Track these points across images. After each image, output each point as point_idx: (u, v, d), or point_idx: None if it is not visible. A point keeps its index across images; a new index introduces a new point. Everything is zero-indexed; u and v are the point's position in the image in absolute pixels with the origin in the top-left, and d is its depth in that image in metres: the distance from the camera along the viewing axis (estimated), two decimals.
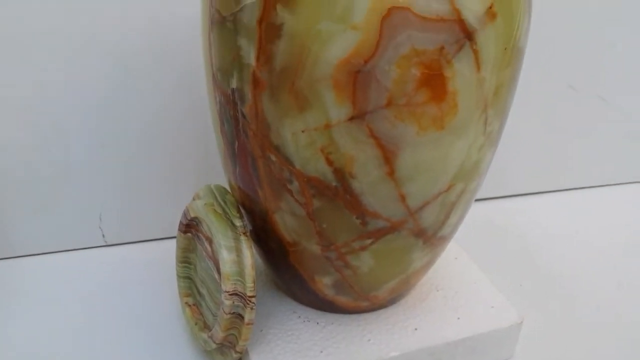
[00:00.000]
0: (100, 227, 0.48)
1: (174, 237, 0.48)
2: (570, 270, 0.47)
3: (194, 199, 0.38)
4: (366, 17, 0.24)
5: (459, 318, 0.38)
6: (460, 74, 0.26)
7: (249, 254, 0.33)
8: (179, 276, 0.40)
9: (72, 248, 0.48)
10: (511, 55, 0.28)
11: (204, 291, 0.38)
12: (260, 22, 0.26)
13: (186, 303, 0.40)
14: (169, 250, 0.46)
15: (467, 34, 0.25)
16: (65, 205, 0.47)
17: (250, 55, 0.27)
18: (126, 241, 0.49)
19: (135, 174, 0.47)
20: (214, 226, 0.34)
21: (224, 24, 0.28)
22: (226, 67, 0.29)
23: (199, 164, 0.48)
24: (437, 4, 0.24)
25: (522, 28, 0.28)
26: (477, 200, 0.55)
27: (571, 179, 0.58)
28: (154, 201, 0.48)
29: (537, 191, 0.57)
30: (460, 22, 0.25)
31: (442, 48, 0.25)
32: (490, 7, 0.26)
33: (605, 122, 0.56)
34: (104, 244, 0.49)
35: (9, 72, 0.41)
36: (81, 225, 0.47)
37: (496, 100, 0.29)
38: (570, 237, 0.51)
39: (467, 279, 0.41)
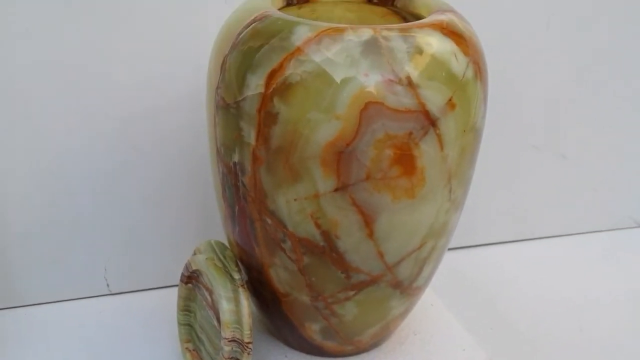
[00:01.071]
0: (105, 277, 0.52)
1: (174, 286, 0.52)
2: (535, 315, 0.52)
3: (194, 254, 0.42)
4: (347, 109, 0.30)
5: (433, 359, 0.42)
6: (427, 153, 0.31)
7: (246, 304, 0.37)
8: (179, 323, 0.44)
9: (79, 297, 0.51)
10: (469, 135, 0.33)
11: (203, 337, 0.42)
12: (259, 110, 0.31)
13: (187, 348, 0.43)
14: (169, 298, 0.50)
15: (431, 122, 0.31)
16: (73, 257, 0.50)
17: (250, 136, 0.32)
18: (129, 290, 0.53)
19: (138, 230, 0.51)
20: (214, 279, 0.39)
21: (228, 109, 0.33)
22: (229, 144, 0.34)
23: (197, 221, 0.52)
24: (405, 98, 0.30)
25: (479, 113, 0.33)
26: (450, 249, 0.60)
27: (535, 230, 0.63)
28: (155, 254, 0.52)
29: (505, 241, 0.62)
30: (425, 113, 0.30)
31: (410, 133, 0.30)
32: (450, 99, 0.31)
33: (566, 177, 0.62)
34: (109, 292, 0.52)
35: (31, 141, 0.46)
36: (87, 275, 0.51)
37: (458, 172, 0.34)
38: (536, 284, 0.56)
39: (441, 324, 0.45)
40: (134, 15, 0.45)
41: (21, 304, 0.50)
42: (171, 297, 0.48)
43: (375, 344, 0.42)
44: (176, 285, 0.50)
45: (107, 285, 0.52)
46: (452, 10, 0.35)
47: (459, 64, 0.31)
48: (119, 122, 0.47)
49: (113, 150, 0.48)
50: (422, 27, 0.31)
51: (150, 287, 0.53)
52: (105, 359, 0.45)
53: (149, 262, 0.52)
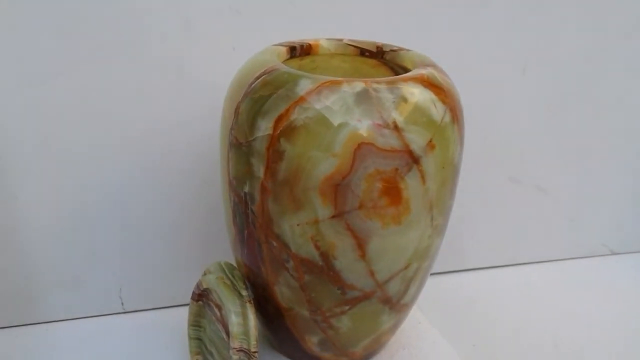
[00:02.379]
0: (120, 297, 0.56)
1: (184, 305, 0.56)
2: (513, 333, 0.56)
3: (205, 274, 0.47)
4: (343, 148, 0.35)
5: None
6: (411, 186, 0.37)
7: (253, 318, 0.42)
8: (190, 337, 0.49)
9: (96, 314, 0.55)
10: (448, 170, 0.39)
11: (212, 349, 0.46)
12: (268, 148, 0.36)
13: None
14: (180, 316, 0.55)
15: (414, 160, 0.36)
16: (90, 278, 0.54)
17: (259, 170, 0.37)
18: (142, 309, 0.57)
19: (152, 253, 0.55)
20: (224, 295, 0.43)
21: (240, 148, 0.38)
22: (240, 177, 0.39)
23: (206, 246, 0.56)
24: (392, 140, 0.35)
25: (455, 152, 0.39)
26: (437, 274, 0.65)
27: (515, 257, 0.67)
28: (167, 275, 0.56)
29: (486, 266, 0.66)
30: (409, 152, 0.36)
31: (397, 169, 0.36)
32: (430, 141, 0.37)
33: (544, 208, 0.67)
34: (123, 311, 0.57)
35: (56, 175, 0.50)
36: (104, 295, 0.55)
37: (439, 202, 0.39)
38: (515, 306, 0.60)
39: (428, 340, 0.50)
40: (158, 66, 0.50)
41: (42, 321, 0.54)
42: (182, 315, 0.53)
43: (367, 356, 0.46)
44: (186, 305, 0.54)
45: (122, 304, 0.56)
46: (432, 65, 0.41)
47: (437, 111, 0.37)
48: (137, 160, 0.52)
49: (131, 184, 0.53)
50: (406, 80, 0.37)
51: (162, 306, 0.57)
52: None
53: (161, 283, 0.57)
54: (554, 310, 0.60)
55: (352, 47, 0.46)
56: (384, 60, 0.45)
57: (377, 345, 0.46)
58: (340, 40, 0.46)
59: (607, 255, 0.71)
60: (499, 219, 0.65)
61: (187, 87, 0.51)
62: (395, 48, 0.44)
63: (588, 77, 0.63)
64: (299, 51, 0.45)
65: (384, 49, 0.45)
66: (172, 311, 0.57)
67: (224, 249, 0.53)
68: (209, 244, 0.56)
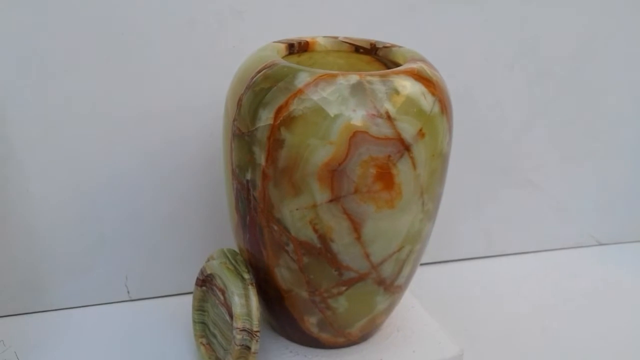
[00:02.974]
0: (126, 285, 0.58)
1: (187, 294, 0.59)
2: (503, 319, 0.59)
3: (208, 260, 0.50)
4: (339, 137, 0.37)
5: (414, 351, 0.49)
6: (403, 172, 0.39)
7: (255, 299, 0.44)
8: (194, 321, 0.51)
9: (102, 302, 0.58)
10: (438, 159, 0.41)
11: (216, 332, 0.49)
12: (269, 137, 0.39)
13: (201, 342, 0.50)
14: (184, 303, 0.57)
15: (406, 147, 0.39)
16: (97, 267, 0.57)
17: (261, 158, 0.40)
18: (147, 297, 0.59)
19: (156, 243, 0.58)
20: (227, 279, 0.46)
21: (243, 137, 0.41)
22: (243, 165, 0.41)
23: (208, 235, 0.58)
24: (385, 129, 0.38)
25: (444, 141, 0.41)
26: (429, 263, 0.67)
27: (505, 247, 0.70)
28: (171, 264, 0.59)
29: (477, 256, 0.69)
30: (401, 140, 0.38)
31: (389, 156, 0.38)
32: (420, 130, 0.39)
33: (532, 199, 0.69)
34: (129, 298, 0.59)
35: (63, 166, 0.53)
36: (110, 283, 0.57)
37: (429, 189, 0.42)
38: (504, 294, 0.63)
39: (420, 323, 0.52)
40: (163, 64, 0.53)
41: (51, 309, 0.57)
42: (186, 303, 0.55)
43: (363, 337, 0.49)
44: (189, 293, 0.57)
45: (128, 292, 0.59)
46: (422, 60, 0.43)
47: (427, 102, 0.40)
48: (143, 153, 0.55)
49: (135, 174, 0.55)
50: (398, 73, 0.40)
51: (167, 294, 0.60)
52: (125, 357, 0.51)
53: (165, 271, 0.59)
54: (542, 298, 0.63)
55: (347, 44, 0.48)
56: (377, 56, 0.48)
57: (373, 326, 0.48)
58: (336, 37, 0.49)
59: (594, 245, 0.73)
60: (489, 211, 0.68)
61: (192, 81, 0.54)
62: (387, 45, 0.47)
63: (576, 70, 0.65)
64: (296, 48, 0.47)
65: (377, 46, 0.48)
66: (177, 299, 0.59)
67: (226, 238, 0.55)
68: (212, 233, 0.59)
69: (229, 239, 0.51)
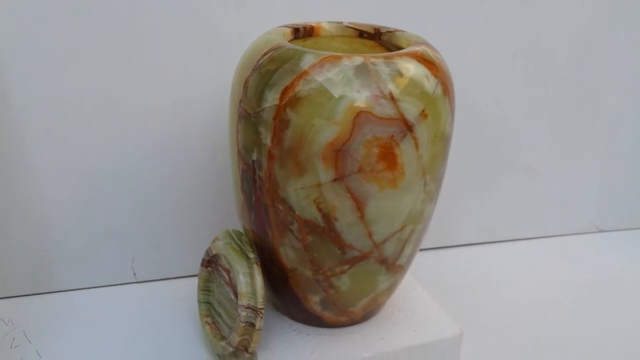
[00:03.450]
0: (132, 267, 0.59)
1: (192, 276, 0.60)
2: (503, 301, 0.60)
3: (214, 241, 0.51)
4: (343, 117, 0.38)
5: (415, 331, 0.50)
6: (405, 152, 0.40)
7: (260, 278, 0.45)
8: (200, 301, 0.52)
9: (109, 284, 0.59)
10: (440, 140, 0.42)
11: (221, 311, 0.50)
12: (275, 118, 0.40)
13: (206, 322, 0.51)
14: (189, 286, 0.58)
15: (408, 127, 0.40)
16: (105, 250, 0.58)
17: (267, 138, 0.41)
18: (153, 279, 0.60)
19: (162, 226, 0.59)
20: (232, 258, 0.47)
21: (249, 118, 0.42)
22: (249, 145, 0.42)
23: (214, 219, 0.60)
24: (388, 109, 0.39)
25: (447, 123, 0.42)
26: (431, 249, 0.68)
27: (507, 234, 0.71)
28: (177, 247, 0.60)
29: (479, 242, 0.70)
30: (404, 120, 0.39)
31: (392, 136, 0.39)
32: (423, 110, 0.40)
33: (535, 187, 0.70)
34: (135, 280, 0.60)
35: (71, 152, 0.54)
36: (117, 265, 0.59)
37: (431, 170, 0.43)
38: (505, 279, 0.64)
39: (422, 305, 0.53)
40: (168, 50, 0.54)
41: (59, 290, 0.58)
42: (191, 285, 0.56)
43: (365, 316, 0.50)
44: (194, 275, 0.58)
45: (134, 274, 0.60)
46: (425, 43, 0.44)
47: (429, 83, 0.40)
48: (150, 138, 0.56)
49: (143, 159, 0.56)
50: (401, 55, 0.40)
51: (172, 277, 0.61)
52: (131, 337, 0.52)
53: (171, 254, 0.60)
54: (543, 284, 0.64)
55: (352, 29, 0.49)
56: (381, 41, 0.49)
57: (375, 305, 0.49)
58: (340, 23, 0.49)
59: (594, 232, 0.74)
60: (491, 198, 0.69)
61: (197, 66, 0.55)
62: (391, 29, 0.48)
63: (578, 60, 0.66)
64: (302, 33, 0.48)
65: (381, 31, 0.48)
66: (182, 281, 0.60)
67: (231, 221, 0.56)
68: (218, 217, 0.60)
69: (235, 222, 0.52)
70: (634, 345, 0.54)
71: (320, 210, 0.41)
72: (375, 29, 0.49)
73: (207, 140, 0.58)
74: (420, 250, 0.66)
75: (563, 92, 0.67)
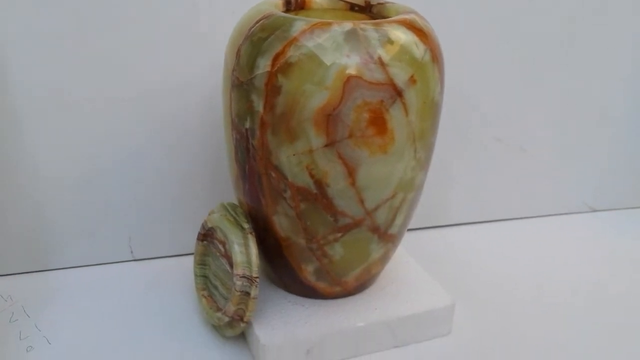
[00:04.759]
0: (129, 245, 0.60)
1: (189, 254, 0.60)
2: (495, 276, 0.60)
3: (209, 214, 0.51)
4: (333, 82, 0.39)
5: (407, 302, 0.50)
6: (395, 118, 0.41)
7: (254, 247, 0.46)
8: (196, 275, 0.53)
9: (107, 262, 0.59)
10: (429, 107, 0.43)
11: (217, 283, 0.50)
12: (267, 85, 0.40)
13: (202, 295, 0.51)
14: (185, 264, 0.59)
15: (398, 92, 0.40)
16: (102, 228, 0.58)
17: (259, 105, 0.41)
18: (150, 257, 0.61)
19: (159, 205, 0.59)
20: (227, 229, 0.48)
21: (241, 86, 0.42)
22: (242, 113, 0.43)
23: (210, 195, 0.60)
24: (378, 74, 0.39)
25: (436, 89, 0.43)
26: (423, 228, 0.68)
27: (499, 213, 0.71)
28: (173, 226, 0.60)
29: (471, 222, 0.71)
30: (393, 85, 0.40)
31: (382, 101, 0.40)
32: (412, 76, 0.41)
33: (527, 167, 0.71)
34: (132, 258, 0.61)
35: (66, 131, 0.54)
36: (114, 244, 0.59)
37: (421, 137, 0.43)
38: (497, 256, 0.64)
39: (414, 277, 0.54)
40: (165, 29, 0.54)
41: (57, 267, 0.58)
42: (187, 263, 0.57)
43: (359, 287, 0.50)
44: (190, 254, 0.58)
45: (132, 252, 0.60)
46: (415, 13, 0.45)
47: (418, 50, 0.41)
48: (147, 119, 0.56)
49: (139, 138, 0.57)
50: (390, 22, 0.41)
51: (169, 255, 0.61)
52: (129, 314, 0.53)
53: (168, 233, 0.60)
54: (535, 261, 0.64)
55: (343, 2, 0.50)
56: (371, 13, 0.49)
57: (368, 276, 0.50)
58: None
59: (587, 212, 0.75)
60: (484, 177, 0.69)
61: (192, 46, 0.55)
62: (381, 2, 0.49)
63: (569, 38, 0.67)
64: (293, 5, 0.49)
65: (372, 3, 0.49)
66: (179, 259, 0.61)
67: (228, 198, 0.57)
68: (215, 196, 0.60)
69: (231, 200, 0.53)
70: (624, 323, 0.54)
71: (312, 176, 0.42)
72: (365, 2, 0.49)
73: (204, 118, 0.58)
74: (414, 229, 0.67)
75: (556, 70, 0.68)
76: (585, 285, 0.60)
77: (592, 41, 0.68)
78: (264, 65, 0.40)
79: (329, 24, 0.40)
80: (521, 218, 0.72)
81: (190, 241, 0.58)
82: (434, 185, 0.66)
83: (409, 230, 0.51)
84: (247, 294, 0.46)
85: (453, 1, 0.61)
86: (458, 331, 0.52)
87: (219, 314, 0.48)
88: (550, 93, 0.69)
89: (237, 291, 0.46)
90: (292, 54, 0.39)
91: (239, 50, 0.42)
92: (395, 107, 0.40)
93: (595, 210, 0.75)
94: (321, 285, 0.49)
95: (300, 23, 0.40)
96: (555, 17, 0.65)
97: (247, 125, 0.43)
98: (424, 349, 0.50)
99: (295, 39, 0.40)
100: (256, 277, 0.45)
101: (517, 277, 0.61)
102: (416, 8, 0.47)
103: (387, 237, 0.47)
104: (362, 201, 0.43)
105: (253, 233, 0.47)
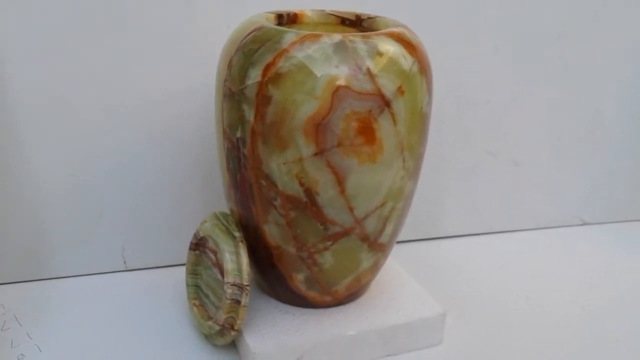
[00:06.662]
0: (122, 255, 0.60)
1: (182, 265, 0.60)
2: (486, 288, 0.60)
3: (202, 223, 0.52)
4: (323, 92, 0.40)
5: (399, 311, 0.51)
6: (384, 127, 0.41)
7: (245, 256, 0.46)
8: (188, 284, 0.53)
9: (100, 272, 0.60)
10: (418, 117, 0.43)
11: (208, 292, 0.51)
12: (257, 95, 0.41)
13: (194, 304, 0.52)
14: (178, 274, 0.59)
15: (386, 103, 0.41)
16: (95, 238, 0.58)
17: (250, 114, 0.42)
18: (143, 267, 0.61)
19: (152, 216, 0.59)
20: (219, 238, 0.48)
21: (233, 96, 0.43)
22: (233, 123, 0.44)
23: (203, 207, 0.61)
24: (366, 84, 0.40)
25: (424, 100, 0.44)
26: (416, 240, 0.69)
27: (492, 226, 0.72)
28: (166, 237, 0.61)
29: (464, 234, 0.71)
30: (381, 96, 0.41)
31: (370, 110, 0.41)
32: (400, 87, 0.41)
33: (519, 180, 0.71)
34: (125, 269, 0.61)
35: (61, 140, 0.55)
36: (107, 253, 0.59)
37: (410, 146, 0.44)
38: (489, 268, 0.64)
39: (406, 288, 0.54)
40: (159, 40, 0.55)
41: (50, 277, 0.58)
42: (180, 274, 0.57)
43: (350, 296, 0.50)
44: (184, 264, 0.59)
45: (124, 262, 0.61)
46: (404, 26, 0.46)
47: (406, 61, 0.42)
48: (140, 127, 0.57)
49: (134, 148, 0.57)
50: (379, 35, 0.42)
51: (162, 265, 0.61)
52: (121, 323, 0.53)
53: (161, 243, 0.61)
54: (527, 274, 0.64)
55: (334, 17, 0.51)
56: (362, 27, 0.50)
57: (358, 286, 0.50)
58: (323, 10, 0.51)
59: (579, 225, 0.75)
60: (477, 190, 0.70)
61: (186, 57, 0.56)
62: (372, 16, 0.50)
63: (561, 52, 0.67)
64: (285, 19, 0.50)
65: (362, 17, 0.50)
66: (172, 270, 0.61)
67: (220, 210, 0.57)
68: (208, 206, 0.60)
69: (224, 209, 0.53)
70: (615, 337, 0.55)
71: (302, 185, 0.42)
72: (356, 16, 0.50)
73: (197, 128, 0.59)
74: (406, 241, 0.67)
75: (548, 83, 0.68)
76: (576, 297, 0.60)
77: (584, 55, 0.69)
78: (254, 75, 0.41)
79: (319, 35, 0.41)
80: (514, 231, 0.73)
81: (184, 252, 0.58)
82: (426, 198, 0.66)
83: (401, 242, 0.52)
84: (238, 302, 0.46)
85: (445, 15, 0.62)
86: (449, 341, 0.52)
87: (209, 323, 0.48)
88: (542, 106, 0.69)
89: (227, 299, 0.46)
90: (283, 64, 0.40)
91: (231, 60, 0.43)
92: (383, 117, 0.41)
93: (587, 224, 0.76)
94: (312, 294, 0.49)
95: (290, 35, 0.41)
96: (548, 31, 0.66)
97: (239, 134, 0.43)
98: (416, 358, 0.50)
99: (285, 50, 0.41)
100: (247, 285, 0.46)
101: (509, 289, 0.61)
102: (407, 22, 0.48)
103: (377, 246, 0.47)
104: (351, 210, 0.44)
105: (244, 241, 0.47)
